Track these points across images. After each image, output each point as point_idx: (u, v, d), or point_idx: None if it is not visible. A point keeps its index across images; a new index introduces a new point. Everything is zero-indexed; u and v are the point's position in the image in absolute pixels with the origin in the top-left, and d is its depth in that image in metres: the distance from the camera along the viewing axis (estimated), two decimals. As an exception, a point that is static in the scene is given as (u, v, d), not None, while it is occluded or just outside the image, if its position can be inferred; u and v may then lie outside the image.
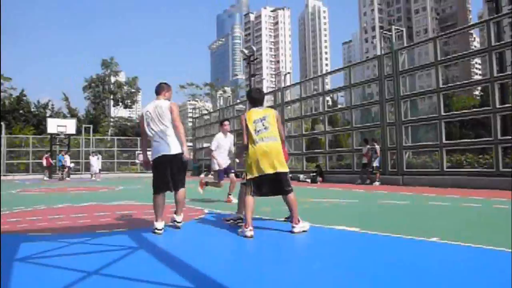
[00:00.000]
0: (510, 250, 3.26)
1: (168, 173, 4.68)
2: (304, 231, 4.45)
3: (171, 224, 4.91)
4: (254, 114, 4.61)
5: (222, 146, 8.27)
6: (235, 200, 7.39)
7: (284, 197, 4.50)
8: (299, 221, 4.46)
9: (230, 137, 8.64)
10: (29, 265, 3.23)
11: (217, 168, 8.31)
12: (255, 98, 4.83)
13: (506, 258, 3.19)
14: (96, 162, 23.54)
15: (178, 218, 4.85)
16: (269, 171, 4.38)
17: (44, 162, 26.18)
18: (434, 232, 4.32)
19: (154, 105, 4.81)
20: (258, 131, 4.49)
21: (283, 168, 4.46)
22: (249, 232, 4.23)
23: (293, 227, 4.45)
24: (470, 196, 8.80)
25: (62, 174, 24.91)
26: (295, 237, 4.26)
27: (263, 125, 4.51)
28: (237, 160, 9.37)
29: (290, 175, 4.57)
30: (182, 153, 4.69)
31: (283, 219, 5.34)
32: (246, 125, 4.56)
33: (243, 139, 4.66)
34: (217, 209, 6.86)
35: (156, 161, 4.70)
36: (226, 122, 8.59)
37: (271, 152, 4.41)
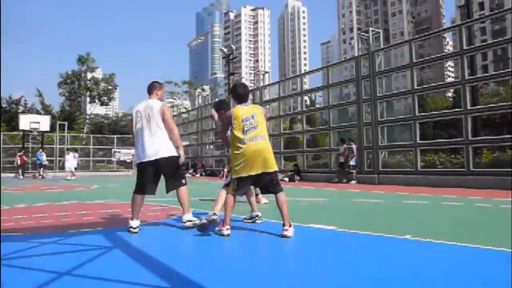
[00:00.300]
0: (510, 250, 3.28)
1: (152, 177, 4.60)
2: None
3: (165, 223, 4.85)
4: (242, 112, 4.36)
5: None
6: (264, 200, 7.41)
7: (277, 197, 4.29)
8: (290, 224, 4.19)
9: None
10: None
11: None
12: (240, 94, 4.56)
13: (482, 255, 3.29)
14: (72, 159, 22.80)
15: (186, 216, 4.72)
16: (259, 171, 4.24)
17: (18, 160, 25.40)
18: (408, 230, 4.42)
19: (145, 105, 4.69)
20: (246, 131, 4.27)
21: (274, 167, 4.33)
22: (226, 231, 4.17)
23: (285, 230, 4.14)
24: (444, 195, 9.02)
25: (39, 172, 24.35)
26: (274, 237, 4.23)
27: (252, 124, 4.30)
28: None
29: (269, 171, 4.40)
30: (175, 156, 4.61)
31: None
32: (232, 123, 4.36)
33: (223, 135, 4.66)
34: (196, 207, 6.81)
35: (141, 165, 4.60)
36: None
37: (262, 152, 4.26)
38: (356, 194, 10.23)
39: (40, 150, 25.52)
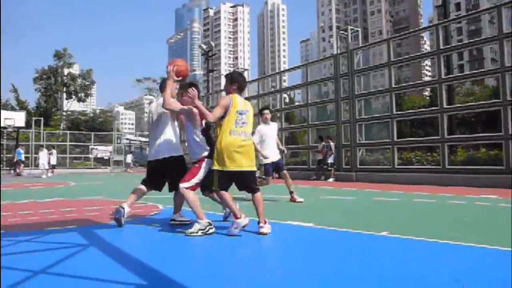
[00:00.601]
0: (510, 249, 3.36)
1: (161, 176, 4.69)
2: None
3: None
4: (239, 104, 4.21)
5: (267, 136, 7.38)
6: (299, 199, 7.29)
7: (253, 196, 4.26)
8: (265, 221, 4.21)
9: (274, 126, 7.78)
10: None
11: (264, 161, 7.41)
12: (242, 84, 4.37)
13: (452, 250, 3.38)
14: (45, 156, 22.13)
15: (176, 216, 4.86)
16: (241, 168, 4.12)
17: None
18: (383, 227, 4.49)
19: (156, 104, 4.72)
20: (238, 123, 4.14)
21: (254, 166, 4.31)
22: (244, 220, 4.07)
23: (261, 227, 4.15)
24: (417, 192, 9.20)
25: (19, 169, 23.84)
26: (251, 234, 4.23)
27: (243, 119, 4.19)
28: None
29: (252, 170, 4.38)
30: (179, 156, 4.65)
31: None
32: (227, 109, 4.13)
33: (210, 115, 4.16)
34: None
35: (151, 163, 4.69)
36: (266, 111, 7.68)
37: (248, 149, 4.21)
38: (332, 191, 10.34)
39: (21, 147, 24.92)
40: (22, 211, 6.30)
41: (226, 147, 4.07)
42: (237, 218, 4.07)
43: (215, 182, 4.12)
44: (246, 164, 4.16)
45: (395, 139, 13.84)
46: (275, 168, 7.56)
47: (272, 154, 7.42)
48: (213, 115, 4.16)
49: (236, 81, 4.29)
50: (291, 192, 7.45)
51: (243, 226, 4.08)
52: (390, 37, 16.09)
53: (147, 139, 34.16)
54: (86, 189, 11.58)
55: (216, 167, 4.10)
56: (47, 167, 21.48)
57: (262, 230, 4.14)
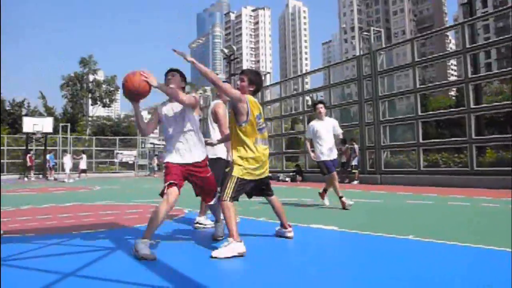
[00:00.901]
0: (511, 250, 3.27)
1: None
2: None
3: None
4: (256, 106, 3.74)
5: (320, 133, 6.86)
6: (349, 201, 6.67)
7: (270, 200, 4.04)
8: (289, 225, 4.05)
9: (330, 122, 7.10)
10: (3, 267, 3.16)
11: (320, 158, 6.88)
12: (259, 89, 3.91)
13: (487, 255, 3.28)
14: (68, 161, 22.58)
15: (200, 219, 4.85)
16: (262, 175, 3.81)
17: (28, 161, 25.51)
18: (410, 230, 4.40)
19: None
20: (261, 130, 3.75)
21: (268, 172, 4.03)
22: (242, 246, 3.37)
23: (287, 231, 4.04)
24: (451, 195, 8.98)
25: (51, 174, 24.56)
26: (274, 238, 4.20)
27: (261, 124, 3.78)
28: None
29: (270, 175, 4.23)
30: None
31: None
32: (247, 114, 3.64)
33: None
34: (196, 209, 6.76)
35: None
36: (320, 105, 7.08)
37: (267, 156, 3.87)
38: (357, 194, 10.20)
39: (53, 152, 25.67)
40: (61, 214, 6.45)
41: (256, 158, 3.68)
42: (234, 240, 3.36)
43: (230, 190, 3.57)
44: (267, 170, 3.90)
45: (421, 140, 13.58)
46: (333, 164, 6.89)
47: (328, 152, 6.84)
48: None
49: (255, 83, 3.82)
50: (340, 197, 6.71)
51: (239, 254, 3.31)
52: (414, 37, 15.80)
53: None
54: (112, 193, 11.78)
55: (238, 174, 3.62)
56: (67, 171, 22.04)
57: (287, 234, 4.08)
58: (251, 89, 3.80)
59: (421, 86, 14.52)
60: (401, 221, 5.50)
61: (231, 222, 3.45)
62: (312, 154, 7.06)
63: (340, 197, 6.69)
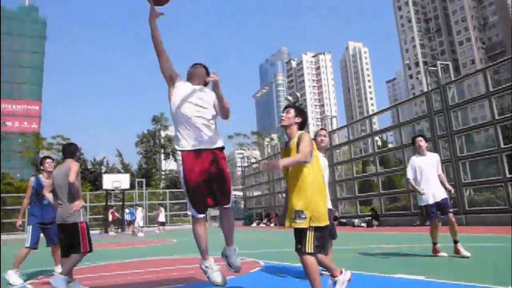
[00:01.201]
0: None
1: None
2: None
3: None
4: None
5: (422, 170, 6.11)
6: (465, 252, 5.86)
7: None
8: (341, 272, 3.38)
9: (432, 157, 6.28)
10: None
11: (423, 203, 6.16)
12: (305, 124, 3.64)
13: None
14: (140, 215, 23.19)
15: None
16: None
17: (110, 217, 26.98)
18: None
19: None
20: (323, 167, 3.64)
21: None
22: (347, 273, 3.33)
23: (335, 281, 3.35)
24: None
25: (132, 229, 25.60)
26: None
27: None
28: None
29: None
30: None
31: None
32: (313, 154, 3.35)
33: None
34: (273, 260, 6.64)
35: None
36: (419, 138, 6.32)
37: None
38: (442, 238, 9.44)
39: (135, 206, 26.87)
40: (148, 269, 6.62)
41: (323, 199, 3.27)
42: (335, 276, 3.31)
43: (310, 244, 3.13)
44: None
45: (507, 175, 12.51)
46: (440, 208, 6.12)
47: (432, 192, 6.05)
48: (305, 154, 3.23)
49: (302, 117, 3.57)
50: (455, 242, 6.04)
51: (349, 281, 3.33)
52: (485, 67, 15.00)
53: (241, 193, 34.97)
54: (189, 246, 11.96)
55: (312, 223, 3.15)
56: (142, 224, 22.79)
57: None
58: (299, 121, 3.55)
59: (501, 117, 13.57)
60: (502, 269, 4.96)
61: (328, 262, 3.39)
62: (420, 189, 6.09)
63: (456, 242, 6.02)
